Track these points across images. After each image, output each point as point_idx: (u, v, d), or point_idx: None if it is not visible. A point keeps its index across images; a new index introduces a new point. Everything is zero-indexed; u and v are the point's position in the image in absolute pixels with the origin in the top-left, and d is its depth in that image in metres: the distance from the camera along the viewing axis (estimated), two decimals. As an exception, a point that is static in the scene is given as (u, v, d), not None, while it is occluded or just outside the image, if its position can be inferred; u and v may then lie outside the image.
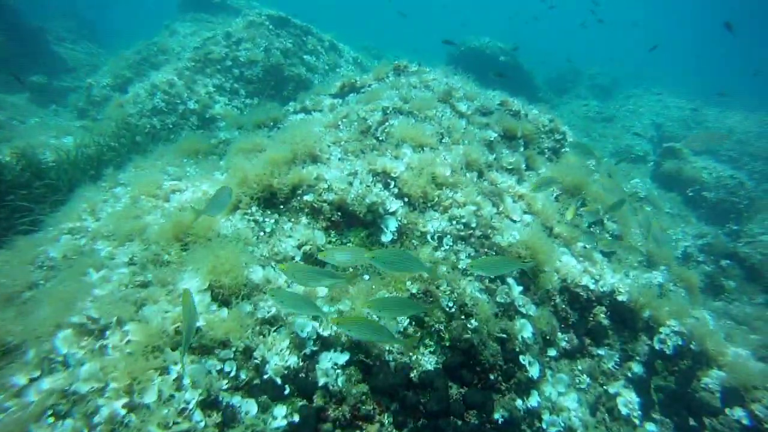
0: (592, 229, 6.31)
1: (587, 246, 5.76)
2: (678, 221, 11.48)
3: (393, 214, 4.61)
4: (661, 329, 5.48)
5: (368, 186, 4.70)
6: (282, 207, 4.61)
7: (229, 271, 3.53)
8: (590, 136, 18.09)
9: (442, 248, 4.59)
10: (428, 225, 4.65)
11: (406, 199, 4.79)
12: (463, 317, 4.13)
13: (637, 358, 5.39)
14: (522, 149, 6.68)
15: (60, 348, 3.18)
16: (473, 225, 4.77)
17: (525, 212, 5.41)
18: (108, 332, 3.25)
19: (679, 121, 20.82)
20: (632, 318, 5.50)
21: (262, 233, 4.38)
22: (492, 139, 6.24)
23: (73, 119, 13.72)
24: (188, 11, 17.07)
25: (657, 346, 5.42)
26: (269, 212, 4.54)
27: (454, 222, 4.76)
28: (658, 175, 14.13)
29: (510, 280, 4.64)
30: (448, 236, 4.65)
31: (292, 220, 4.54)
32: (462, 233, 4.72)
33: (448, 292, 4.18)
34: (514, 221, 5.21)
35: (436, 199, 4.89)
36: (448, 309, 4.10)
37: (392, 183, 4.84)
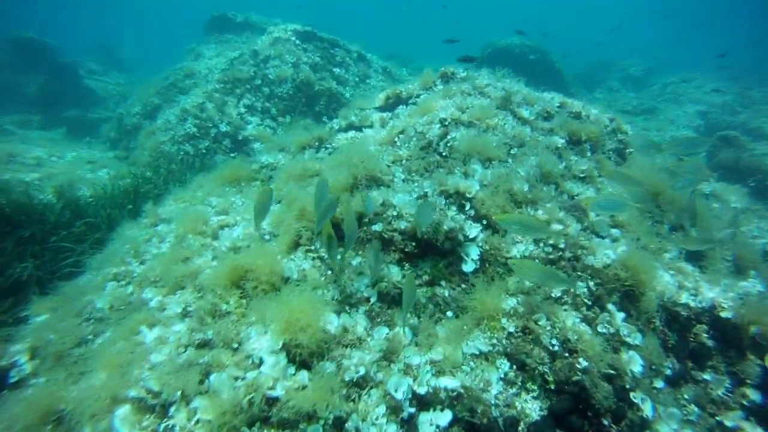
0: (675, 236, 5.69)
1: (676, 255, 5.16)
2: (750, 216, 10.65)
3: (473, 240, 4.08)
4: (774, 347, 4.81)
5: (442, 209, 4.18)
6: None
7: (307, 327, 3.04)
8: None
9: (532, 276, 4.04)
10: (513, 249, 4.11)
11: (484, 222, 4.26)
12: (567, 354, 3.57)
13: (749, 381, 4.73)
14: (589, 153, 6.09)
15: (120, 430, 2.73)
16: (561, 246, 4.21)
17: (611, 226, 4.82)
18: (173, 409, 2.78)
19: (722, 106, 19.83)
20: (737, 336, 4.84)
21: (329, 272, 3.90)
22: (559, 145, 5.67)
23: (106, 150, 13.61)
24: (212, 33, 16.90)
25: (770, 367, 4.76)
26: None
27: (541, 244, 4.20)
28: (714, 167, 13.26)
29: (611, 306, 4.06)
30: (537, 260, 4.10)
31: (360, 252, 4.05)
32: (551, 256, 4.16)
33: (548, 328, 3.63)
34: (602, 237, 4.63)
35: (517, 218, 4.34)
36: (551, 347, 3.55)
37: (467, 204, 4.32)
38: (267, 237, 4.25)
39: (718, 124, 18.30)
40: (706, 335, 4.69)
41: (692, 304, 4.61)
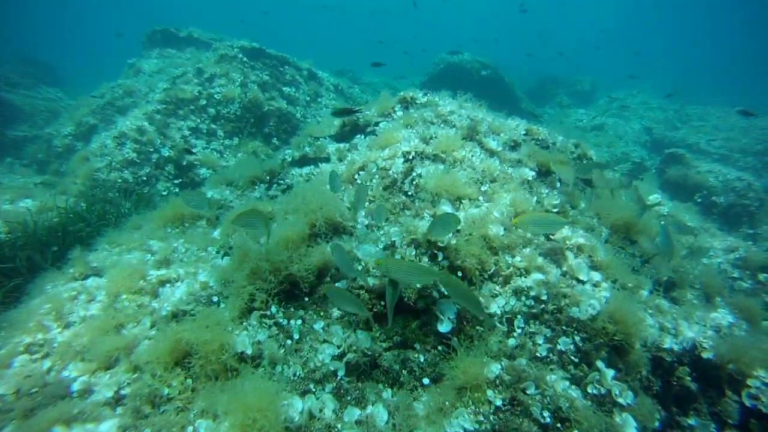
0: (647, 269, 5.49)
1: (651, 289, 4.96)
2: (704, 235, 10.79)
3: (448, 297, 3.65)
4: (750, 381, 4.62)
5: (412, 260, 3.74)
6: (307, 299, 3.62)
7: (268, 429, 2.51)
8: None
9: (515, 333, 3.65)
10: (492, 305, 3.72)
11: (459, 273, 3.85)
12: (560, 425, 3.19)
13: (730, 421, 4.52)
14: (558, 184, 5.82)
15: None
16: (544, 297, 3.85)
17: (591, 268, 4.51)
18: None
19: (664, 122, 20.52)
20: (716, 374, 4.63)
21: (288, 341, 3.37)
22: (530, 178, 5.37)
23: (31, 174, 12.46)
24: (154, 47, 15.97)
25: (748, 403, 4.55)
26: (292, 309, 3.54)
27: (522, 296, 3.83)
28: (664, 184, 13.51)
29: (599, 364, 3.71)
30: (519, 316, 3.72)
31: (322, 314, 3.55)
32: (533, 310, 3.79)
33: (537, 397, 3.23)
34: (582, 282, 4.31)
35: (494, 267, 3.96)
36: (542, 420, 3.16)
37: (440, 254, 3.89)
38: (215, 299, 3.67)
39: (661, 139, 18.87)
40: (689, 378, 4.46)
41: (676, 347, 4.38)
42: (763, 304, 8.14)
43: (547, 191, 5.50)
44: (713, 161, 15.71)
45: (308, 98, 12.49)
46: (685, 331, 4.61)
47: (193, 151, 10.05)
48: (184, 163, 9.97)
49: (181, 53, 15.92)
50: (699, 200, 12.78)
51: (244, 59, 12.06)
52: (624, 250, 5.49)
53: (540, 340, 3.67)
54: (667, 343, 4.36)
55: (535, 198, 5.19)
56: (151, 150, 9.91)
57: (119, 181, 9.31)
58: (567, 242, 4.66)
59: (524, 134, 6.23)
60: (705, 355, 4.52)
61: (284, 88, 12.08)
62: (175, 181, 9.74)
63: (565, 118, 20.23)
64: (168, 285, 4.07)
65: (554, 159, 5.91)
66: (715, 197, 12.72)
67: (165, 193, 9.44)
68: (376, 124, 6.14)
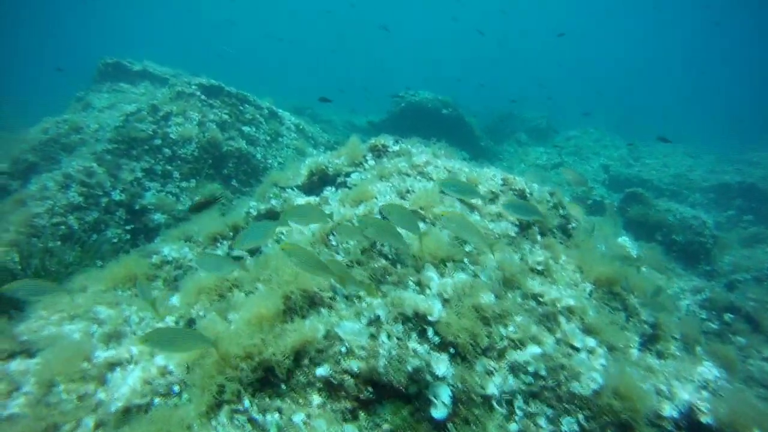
0: (630, 324, 5.33)
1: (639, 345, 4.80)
2: (670, 275, 10.88)
3: (443, 379, 3.28)
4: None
5: (400, 340, 3.36)
6: (284, 386, 3.16)
7: None
8: (545, 185, 17.71)
9: (516, 416, 3.31)
10: (489, 385, 3.36)
11: (452, 350, 3.49)
12: None
13: (728, 494, 4.30)
14: (539, 237, 5.62)
15: None
16: (542, 373, 3.54)
17: (583, 332, 4.25)
18: None
19: (619, 159, 21.14)
20: (709, 437, 4.43)
21: (269, 439, 2.91)
22: (512, 234, 5.13)
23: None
24: (105, 81, 15.23)
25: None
26: (267, 399, 3.08)
27: (520, 373, 3.50)
28: (626, 222, 13.71)
29: (602, 448, 3.41)
30: (518, 396, 3.39)
31: (301, 402, 3.10)
32: (533, 387, 3.47)
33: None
34: (577, 349, 4.03)
35: (487, 341, 3.63)
36: None
37: (430, 329, 3.53)
38: (175, 388, 3.17)
39: (618, 176, 19.38)
40: (687, 446, 4.24)
41: (675, 414, 4.14)
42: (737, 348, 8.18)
43: (529, 246, 5.27)
44: (668, 199, 16.18)
45: (269, 138, 12.06)
46: (680, 392, 4.41)
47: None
48: (137, 208, 9.31)
49: (134, 88, 15.24)
50: (659, 238, 13.01)
51: (202, 97, 11.58)
52: (608, 305, 5.31)
53: (542, 422, 3.34)
54: (667, 410, 4.12)
55: (518, 254, 4.95)
56: (101, 193, 9.21)
57: (62, 227, 8.55)
58: (557, 304, 4.40)
59: (502, 184, 6.03)
60: (704, 419, 4.31)
61: (244, 128, 11.63)
62: (127, 227, 9.05)
63: (525, 156, 20.53)
64: (118, 368, 3.53)
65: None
66: (675, 235, 12.98)
67: (115, 240, 8.74)
68: (347, 174, 5.80)
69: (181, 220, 9.44)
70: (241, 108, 12.11)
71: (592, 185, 17.60)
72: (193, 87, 11.65)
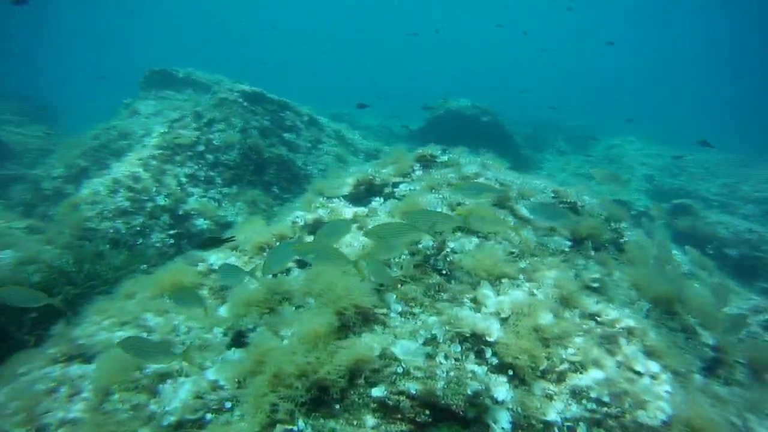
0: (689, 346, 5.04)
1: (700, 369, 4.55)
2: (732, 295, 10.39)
3: (502, 403, 3.13)
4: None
5: (458, 361, 3.24)
6: (337, 406, 3.08)
7: None
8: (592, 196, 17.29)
9: (580, 447, 3.13)
10: (550, 410, 3.20)
11: (510, 372, 3.35)
12: None
13: None
14: (592, 252, 5.40)
15: None
16: (605, 399, 3.35)
17: (645, 354, 4.03)
18: None
19: (663, 169, 20.45)
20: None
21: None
22: (566, 249, 4.95)
23: (17, 217, 11.83)
24: (151, 88, 15.64)
25: None
26: (322, 420, 2.99)
27: (582, 399, 3.32)
28: (674, 235, 13.21)
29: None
30: (582, 424, 3.21)
31: (355, 423, 3.01)
32: (596, 415, 3.28)
33: None
34: (640, 374, 3.82)
35: (546, 363, 3.46)
36: None
37: (488, 350, 3.39)
38: (227, 404, 3.12)
39: (662, 186, 18.75)
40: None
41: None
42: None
43: (583, 262, 5.07)
44: (719, 211, 15.53)
45: (309, 144, 12.11)
46: (759, 429, 4.12)
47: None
48: (181, 213, 9.44)
49: (178, 95, 15.61)
50: (710, 252, 12.47)
51: (245, 104, 11.71)
52: (665, 325, 5.05)
53: (607, 455, 3.15)
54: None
55: (573, 271, 4.75)
56: (146, 198, 9.39)
57: (111, 231, 8.74)
58: (616, 325, 4.19)
59: (553, 196, 5.85)
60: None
61: (285, 135, 11.71)
62: (170, 232, 9.19)
63: (566, 165, 20.09)
64: (169, 381, 3.50)
65: (586, 225, 5.53)
66: (727, 249, 12.42)
67: (159, 245, 8.88)
68: (395, 185, 5.71)
69: (224, 226, 9.55)
70: (282, 115, 12.21)
71: (634, 195, 17.05)
72: (236, 94, 11.80)
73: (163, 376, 3.56)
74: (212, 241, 4.58)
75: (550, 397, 3.33)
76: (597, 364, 3.57)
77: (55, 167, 12.37)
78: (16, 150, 15.83)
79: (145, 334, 4.36)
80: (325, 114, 16.08)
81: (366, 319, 3.54)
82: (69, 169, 12.11)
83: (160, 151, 10.29)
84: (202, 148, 10.53)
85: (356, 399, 3.09)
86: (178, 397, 3.25)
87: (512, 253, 4.44)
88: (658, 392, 3.52)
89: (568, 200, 5.93)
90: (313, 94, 25.34)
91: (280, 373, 2.98)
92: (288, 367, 2.98)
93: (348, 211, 5.29)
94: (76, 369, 3.96)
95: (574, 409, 3.24)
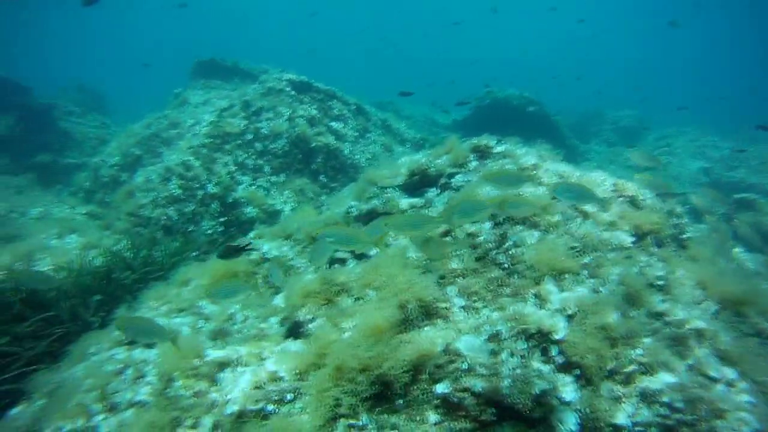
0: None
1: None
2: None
3: (569, 404, 3.03)
4: None
5: (523, 359, 3.14)
6: (400, 402, 3.04)
7: None
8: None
9: (653, 455, 3.00)
10: (619, 414, 3.07)
11: (577, 372, 3.23)
12: None
13: None
14: (655, 248, 5.17)
15: None
16: (678, 405, 3.19)
17: (719, 359, 3.83)
18: None
19: (720, 161, 19.51)
20: None
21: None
22: (628, 245, 4.74)
23: (78, 203, 12.35)
24: (200, 78, 15.94)
25: None
26: (385, 415, 2.96)
27: (653, 403, 3.18)
28: (736, 232, 12.57)
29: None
30: (653, 430, 3.07)
31: (418, 419, 2.96)
32: (668, 421, 3.13)
33: None
34: (714, 380, 3.63)
35: (613, 363, 3.33)
36: None
37: (554, 348, 3.28)
38: (288, 396, 3.12)
39: (719, 179, 17.90)
40: None
41: None
42: None
43: (645, 259, 4.86)
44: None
45: (356, 134, 12.09)
46: None
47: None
48: (230, 201, 9.60)
49: (226, 84, 15.83)
50: (777, 250, 11.82)
51: (292, 92, 11.77)
52: (737, 328, 4.78)
53: (682, 466, 3.00)
54: None
55: (636, 268, 4.55)
56: (197, 186, 9.58)
57: (163, 218, 8.97)
58: (685, 326, 3.99)
59: (612, 189, 5.62)
60: None
61: (332, 123, 11.72)
62: (220, 220, 9.36)
63: (615, 157, 19.43)
64: (228, 369, 3.54)
65: (648, 220, 5.30)
66: (796, 248, 11.74)
67: (210, 232, 9.07)
68: (450, 176, 5.59)
69: (271, 214, 9.66)
70: (329, 104, 12.22)
71: (689, 188, 16.33)
72: (283, 83, 11.87)
73: (222, 365, 3.60)
74: (232, 249, 4.55)
75: (618, 400, 3.20)
76: (667, 366, 3.40)
77: (112, 156, 12.79)
78: (78, 139, 16.50)
79: (201, 322, 4.45)
80: (368, 102, 16.06)
81: (428, 313, 3.48)
82: (124, 157, 12.50)
83: (211, 140, 10.47)
84: (250, 136, 10.66)
85: (419, 395, 3.04)
86: (238, 386, 3.27)
87: (574, 247, 4.28)
88: (738, 402, 3.33)
89: (628, 194, 5.69)
90: (358, 83, 25.34)
91: (343, 366, 2.96)
92: (351, 361, 2.95)
93: (404, 202, 5.22)
94: (138, 353, 4.06)
95: (645, 414, 3.10)
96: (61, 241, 8.48)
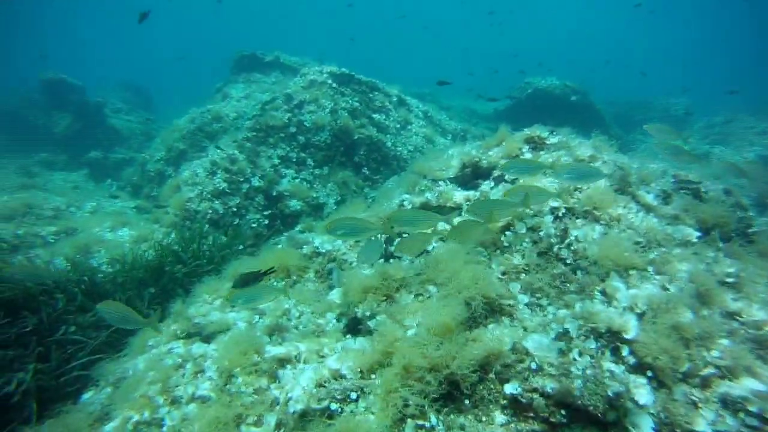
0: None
1: None
2: None
3: (644, 407, 2.91)
4: None
5: (594, 359, 3.03)
6: (467, 401, 2.97)
7: None
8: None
9: (740, 467, 2.85)
10: (698, 420, 2.93)
11: (649, 373, 3.10)
12: None
13: None
14: (720, 244, 4.92)
15: None
16: (765, 413, 3.02)
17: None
18: None
19: (772, 146, 18.56)
20: None
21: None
22: (693, 240, 4.53)
23: (127, 197, 12.74)
24: (241, 72, 16.13)
25: None
26: (452, 416, 2.90)
27: (739, 411, 3.01)
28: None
29: None
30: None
31: (484, 419, 2.89)
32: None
33: None
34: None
35: (688, 365, 3.17)
36: None
37: (625, 348, 3.16)
38: (353, 395, 3.09)
39: (777, 168, 17.04)
40: None
41: None
42: None
43: (713, 254, 4.63)
44: None
45: (398, 126, 11.99)
46: None
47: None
48: (274, 194, 9.68)
49: (266, 78, 15.97)
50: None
51: (334, 85, 11.74)
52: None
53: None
54: None
55: (703, 265, 4.34)
56: (242, 179, 9.69)
57: (209, 211, 9.11)
58: (764, 327, 3.78)
59: (673, 181, 5.39)
60: None
61: (374, 115, 11.65)
62: (265, 213, 9.45)
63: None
64: (289, 366, 3.54)
65: (713, 213, 5.06)
66: None
67: (254, 225, 9.17)
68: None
69: (315, 207, 9.71)
70: (371, 95, 12.15)
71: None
72: (325, 75, 11.84)
73: (281, 361, 3.61)
74: (250, 276, 4.46)
75: (695, 405, 3.05)
76: (750, 372, 3.22)
77: (158, 150, 13.09)
78: (125, 135, 17.03)
79: (257, 317, 4.47)
80: (408, 93, 15.94)
81: (492, 310, 3.40)
82: (169, 151, 12.77)
83: (254, 133, 10.55)
84: (293, 129, 10.69)
85: (486, 394, 2.96)
86: (299, 384, 3.25)
87: (638, 242, 4.11)
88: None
89: (691, 187, 5.45)
90: (397, 72, 25.19)
91: (411, 366, 2.91)
92: (419, 360, 2.90)
93: (458, 195, 5.12)
94: (197, 348, 4.11)
95: (730, 423, 2.94)
96: (114, 234, 8.74)
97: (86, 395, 4.33)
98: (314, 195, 9.80)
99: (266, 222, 9.38)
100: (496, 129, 6.25)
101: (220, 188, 9.48)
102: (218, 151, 10.12)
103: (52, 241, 8.48)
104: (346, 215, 5.74)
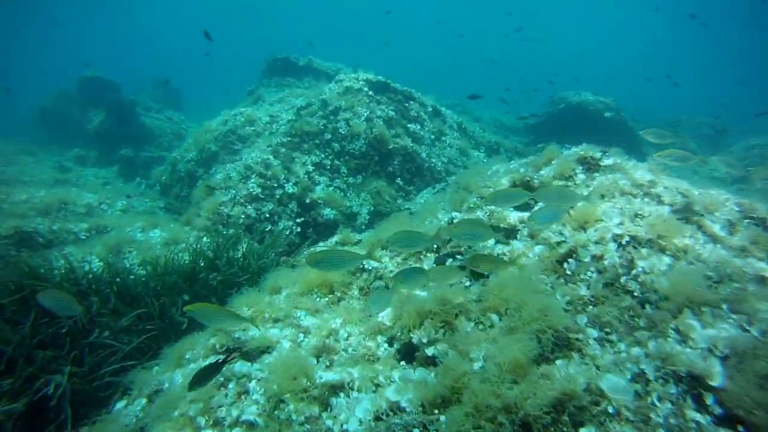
0: None
1: None
2: None
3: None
4: None
5: (674, 405, 2.82)
6: (538, 443, 2.79)
7: None
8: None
9: None
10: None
11: (741, 429, 2.87)
12: None
13: None
14: (790, 278, 4.66)
15: None
16: None
17: None
18: None
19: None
20: None
21: None
22: (766, 275, 4.28)
23: (156, 196, 12.78)
24: (273, 76, 16.14)
25: None
26: (523, 459, 2.72)
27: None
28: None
29: None
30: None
31: None
32: None
33: None
34: None
35: (776, 416, 2.94)
36: None
37: (710, 397, 2.94)
38: (415, 431, 2.92)
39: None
40: None
41: None
42: None
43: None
44: None
45: (433, 137, 11.84)
46: None
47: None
48: (308, 201, 9.57)
49: (299, 82, 15.96)
50: None
51: (370, 93, 11.64)
52: None
53: None
54: None
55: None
56: (275, 185, 9.60)
57: (242, 216, 9.03)
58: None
59: (738, 210, 5.13)
60: None
61: (409, 125, 11.51)
62: (298, 220, 9.34)
63: (698, 168, 18.28)
64: (342, 394, 3.38)
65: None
66: None
67: (287, 233, 9.06)
68: (558, 189, 5.27)
69: (348, 216, 9.57)
70: (406, 105, 12.02)
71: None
72: (361, 82, 11.75)
73: (334, 388, 3.45)
74: (207, 372, 4.06)
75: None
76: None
77: (189, 151, 13.10)
78: (156, 134, 17.18)
79: (301, 335, 4.32)
80: (441, 103, 15.80)
81: (559, 344, 3.20)
82: (201, 153, 12.75)
83: (289, 139, 10.48)
84: (328, 136, 10.60)
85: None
86: (355, 415, 3.09)
87: (709, 276, 3.89)
88: None
89: (757, 216, 5.18)
90: (430, 82, 25.08)
91: (482, 405, 2.73)
92: (491, 399, 2.72)
93: (513, 216, 4.92)
94: (239, 366, 3.96)
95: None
96: (145, 234, 8.70)
97: (119, 404, 4.23)
98: (348, 204, 9.67)
99: (298, 230, 9.26)
100: (528, 143, 6.09)
101: (254, 193, 9.39)
102: (253, 154, 10.06)
103: (84, 237, 8.50)
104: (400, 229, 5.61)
